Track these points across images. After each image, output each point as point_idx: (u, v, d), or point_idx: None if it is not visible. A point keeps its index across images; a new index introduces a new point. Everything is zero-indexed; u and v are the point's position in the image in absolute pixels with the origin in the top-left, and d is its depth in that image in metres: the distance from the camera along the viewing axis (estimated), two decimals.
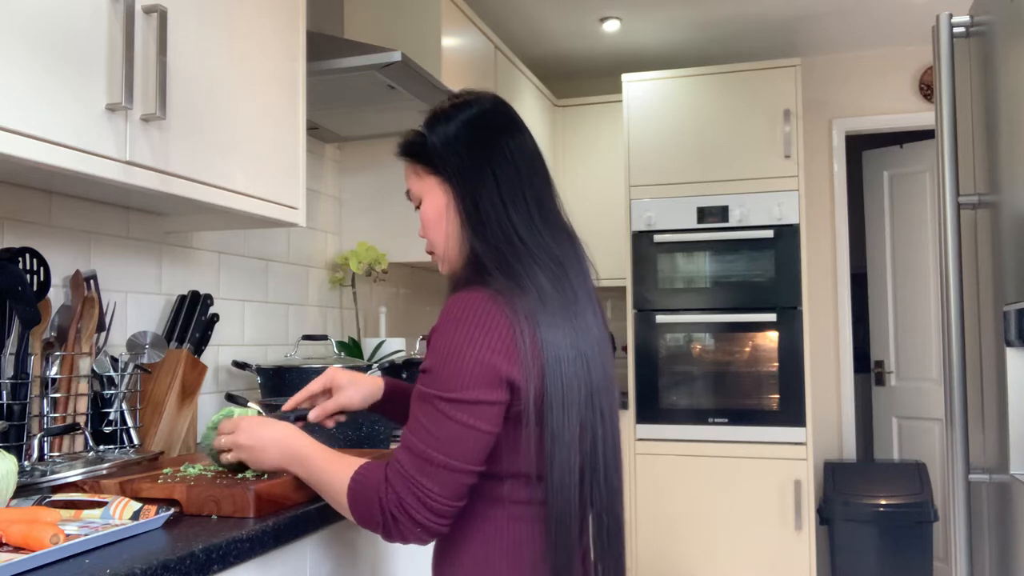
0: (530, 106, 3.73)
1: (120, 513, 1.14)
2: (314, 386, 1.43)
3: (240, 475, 1.34)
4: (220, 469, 1.39)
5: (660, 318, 3.60)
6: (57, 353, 1.54)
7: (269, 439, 1.25)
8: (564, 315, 1.14)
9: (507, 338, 1.08)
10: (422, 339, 2.70)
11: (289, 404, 1.43)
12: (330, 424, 1.44)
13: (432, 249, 1.28)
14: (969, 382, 1.72)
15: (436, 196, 1.22)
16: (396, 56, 2.12)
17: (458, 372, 1.07)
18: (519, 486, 1.14)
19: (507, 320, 1.08)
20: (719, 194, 3.59)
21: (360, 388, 1.43)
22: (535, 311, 1.11)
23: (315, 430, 1.56)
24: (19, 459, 1.42)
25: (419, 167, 1.24)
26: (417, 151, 1.24)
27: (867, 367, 4.74)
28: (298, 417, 1.41)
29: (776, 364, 3.48)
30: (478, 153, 1.19)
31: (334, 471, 1.16)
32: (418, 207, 1.27)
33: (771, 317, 3.49)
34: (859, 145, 4.75)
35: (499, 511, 1.15)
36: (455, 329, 1.09)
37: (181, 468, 1.42)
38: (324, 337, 2.27)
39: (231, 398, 2.02)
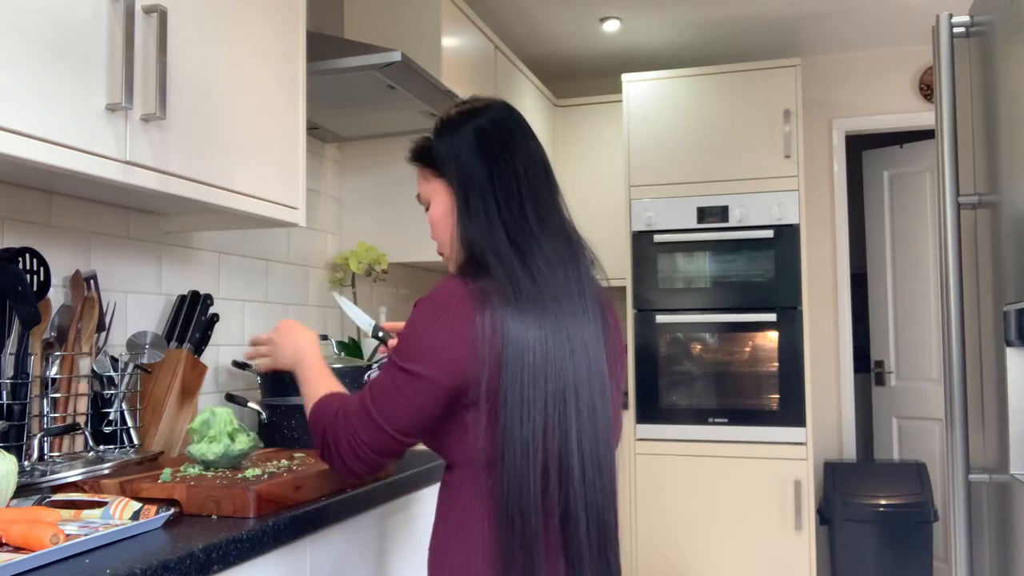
0: (530, 106, 3.73)
1: (120, 513, 1.14)
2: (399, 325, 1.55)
3: (240, 475, 1.35)
4: (211, 472, 1.39)
5: (660, 318, 3.60)
6: (57, 353, 1.54)
7: (291, 338, 1.42)
8: (540, 311, 1.16)
9: (469, 325, 1.13)
10: None
11: (387, 325, 1.57)
12: None
13: (441, 250, 1.33)
14: (969, 382, 1.72)
15: (442, 198, 1.29)
16: (396, 56, 2.12)
17: (414, 346, 1.16)
18: (495, 481, 1.15)
19: (472, 310, 1.14)
20: (719, 194, 3.59)
21: None
22: (506, 305, 1.14)
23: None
24: (19, 459, 1.42)
25: (427, 171, 1.31)
26: (425, 155, 1.31)
27: (867, 367, 4.74)
28: (382, 340, 1.55)
29: (776, 364, 3.48)
30: (481, 157, 1.24)
31: (314, 389, 1.30)
32: (428, 210, 1.33)
33: (771, 317, 3.49)
34: (859, 145, 4.75)
35: (476, 504, 1.17)
36: (425, 309, 1.17)
37: (181, 468, 1.42)
38: (324, 337, 2.27)
39: (231, 398, 2.02)
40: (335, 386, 1.31)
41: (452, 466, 1.21)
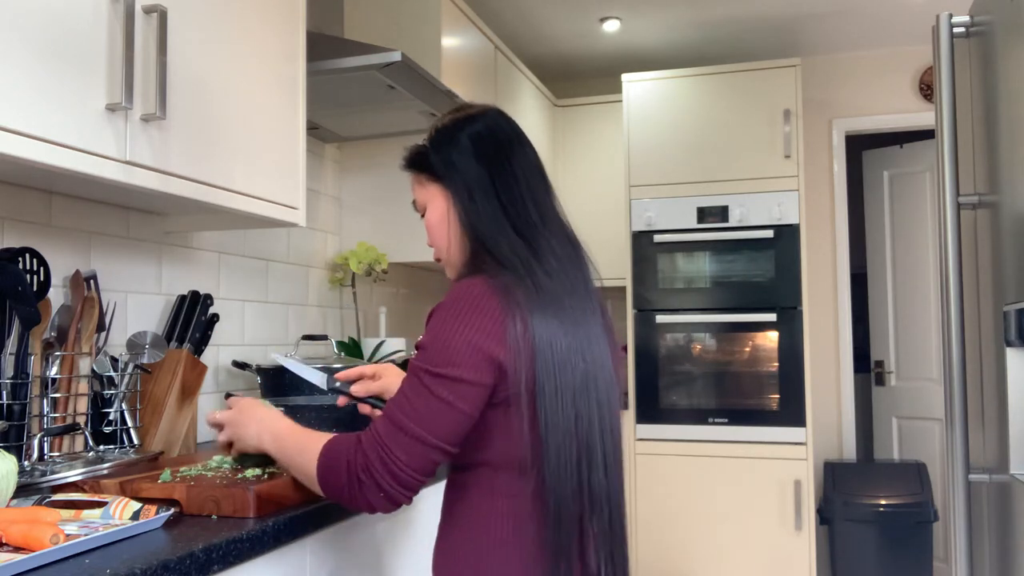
0: (530, 106, 3.73)
1: (120, 513, 1.14)
2: (367, 369, 1.49)
3: (240, 475, 1.35)
4: (231, 466, 1.39)
5: (660, 318, 3.60)
6: (57, 353, 1.54)
7: (252, 416, 1.30)
8: (559, 307, 1.18)
9: (499, 322, 1.12)
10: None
11: (342, 375, 1.48)
12: (366, 410, 1.47)
13: (438, 255, 1.33)
14: (969, 382, 1.72)
15: (438, 202, 1.28)
16: (396, 56, 2.12)
17: (447, 349, 1.11)
18: (513, 478, 1.15)
19: (500, 306, 1.12)
20: (719, 194, 3.59)
21: None
22: (529, 300, 1.14)
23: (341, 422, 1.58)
24: (19, 459, 1.42)
25: (422, 176, 1.31)
26: (420, 161, 1.30)
27: (867, 367, 4.74)
28: (341, 391, 1.46)
29: (776, 364, 3.48)
30: (479, 161, 1.25)
31: (306, 444, 1.19)
32: (424, 216, 1.32)
33: (771, 317, 3.49)
34: (859, 145, 4.75)
35: (493, 505, 1.16)
36: (451, 311, 1.13)
37: (181, 468, 1.42)
38: (324, 337, 2.27)
39: (231, 398, 2.02)
40: (327, 435, 1.20)
41: (466, 467, 1.20)
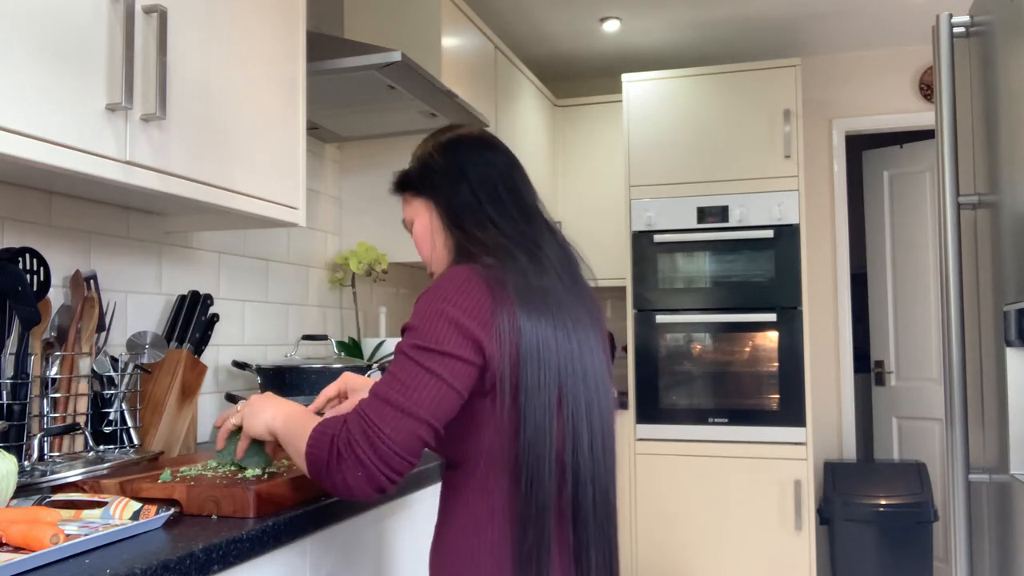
0: (530, 106, 3.73)
1: (120, 513, 1.14)
2: (329, 391, 1.47)
3: (240, 475, 1.35)
4: (227, 469, 1.39)
5: (660, 318, 3.60)
6: (57, 353, 1.54)
7: (271, 400, 1.30)
8: (544, 293, 1.19)
9: (484, 306, 1.13)
10: None
11: (310, 409, 1.46)
12: None
13: (426, 262, 1.36)
14: (969, 382, 1.72)
15: (422, 214, 1.33)
16: (396, 56, 2.12)
17: (434, 328, 1.12)
18: (506, 477, 1.15)
19: (486, 290, 1.14)
20: (719, 194, 3.59)
21: None
22: (515, 286, 1.16)
23: None
24: (19, 459, 1.42)
25: (407, 194, 1.36)
26: (402, 180, 1.36)
27: (867, 367, 4.74)
28: None
29: (776, 364, 3.48)
30: (456, 168, 1.29)
31: (308, 426, 1.17)
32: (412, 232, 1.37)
33: (771, 317, 3.49)
34: (859, 145, 4.74)
35: (487, 505, 1.16)
36: (438, 293, 1.15)
37: (181, 469, 1.42)
38: (324, 337, 2.27)
39: (231, 398, 2.02)
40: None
41: (456, 465, 1.21)
